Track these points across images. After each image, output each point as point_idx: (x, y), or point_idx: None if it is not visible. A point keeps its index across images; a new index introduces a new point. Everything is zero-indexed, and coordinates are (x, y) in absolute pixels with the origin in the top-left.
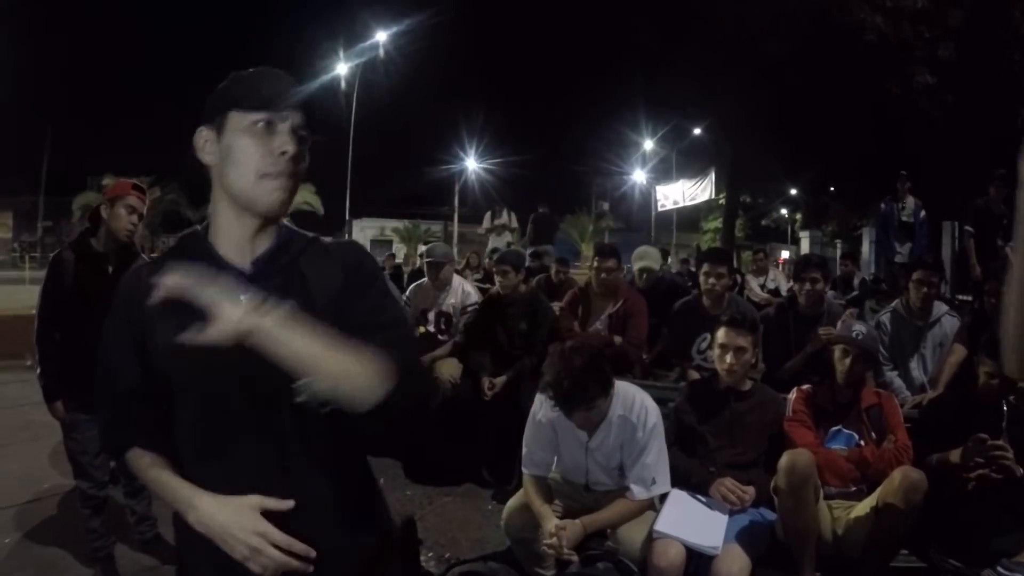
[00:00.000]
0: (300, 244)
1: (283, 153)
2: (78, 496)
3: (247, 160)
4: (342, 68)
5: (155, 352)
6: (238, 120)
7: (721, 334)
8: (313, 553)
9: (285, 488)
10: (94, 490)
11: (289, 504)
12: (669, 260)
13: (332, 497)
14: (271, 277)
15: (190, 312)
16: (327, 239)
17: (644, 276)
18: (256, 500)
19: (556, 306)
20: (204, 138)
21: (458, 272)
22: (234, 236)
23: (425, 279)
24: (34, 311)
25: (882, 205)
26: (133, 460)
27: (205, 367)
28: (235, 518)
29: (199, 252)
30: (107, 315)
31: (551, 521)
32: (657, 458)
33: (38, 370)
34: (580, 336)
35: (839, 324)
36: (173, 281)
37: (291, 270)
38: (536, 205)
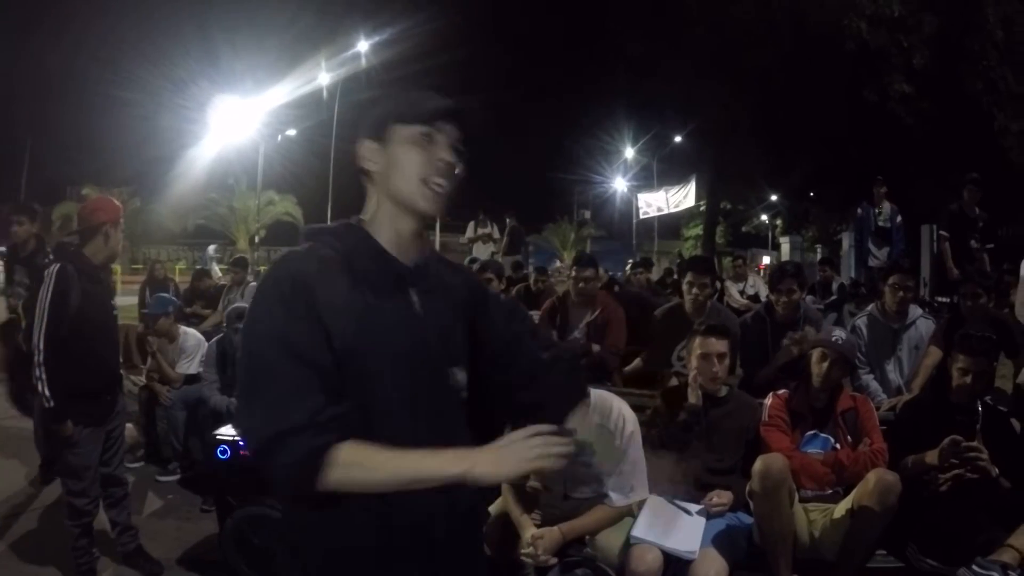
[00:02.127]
0: (437, 255)
1: (443, 161)
2: (68, 513)
3: (411, 167)
4: (324, 78)
5: (343, 338)
6: (401, 132)
7: (699, 343)
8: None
9: None
10: (91, 506)
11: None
12: (653, 269)
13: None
14: (427, 279)
15: (371, 300)
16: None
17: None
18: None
19: (535, 315)
20: (368, 148)
21: None
22: (394, 236)
23: None
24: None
25: (859, 210)
26: (349, 449)
27: (391, 348)
28: (509, 445)
29: (365, 245)
30: (104, 327)
31: (529, 530)
32: (635, 466)
33: (45, 391)
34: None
35: (818, 331)
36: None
37: (439, 276)
38: (504, 215)
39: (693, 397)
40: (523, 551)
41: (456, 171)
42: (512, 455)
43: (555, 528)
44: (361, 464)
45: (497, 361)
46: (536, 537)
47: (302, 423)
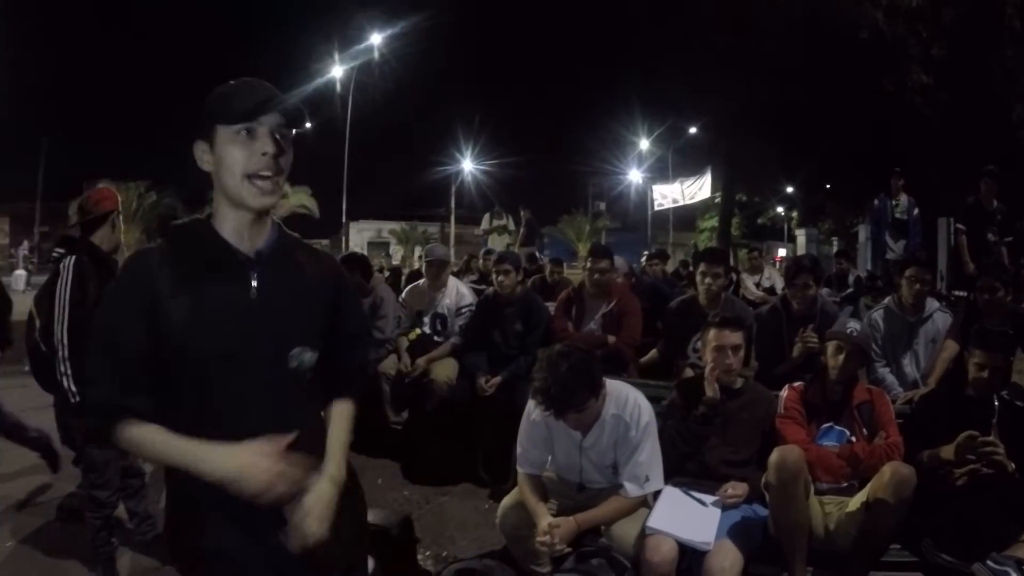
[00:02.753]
0: (292, 240)
1: (264, 153)
2: (90, 505)
3: (235, 164)
4: (337, 71)
5: (170, 326)
6: (224, 132)
7: (713, 335)
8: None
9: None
10: (112, 497)
11: (290, 437)
12: (668, 261)
13: (310, 443)
14: (272, 264)
15: (203, 289)
16: (311, 243)
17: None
18: (261, 441)
19: (551, 306)
20: (201, 150)
21: (455, 274)
22: (234, 227)
23: (420, 281)
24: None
25: (875, 202)
26: (130, 429)
27: (218, 336)
28: (250, 457)
29: (207, 237)
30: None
31: (545, 519)
32: (650, 456)
33: (71, 386)
34: (573, 337)
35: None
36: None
37: (289, 261)
38: (518, 207)
39: (711, 390)
40: (539, 539)
41: (282, 159)
42: (247, 464)
43: (571, 518)
44: (139, 445)
45: (335, 345)
46: (552, 526)
47: (93, 404)
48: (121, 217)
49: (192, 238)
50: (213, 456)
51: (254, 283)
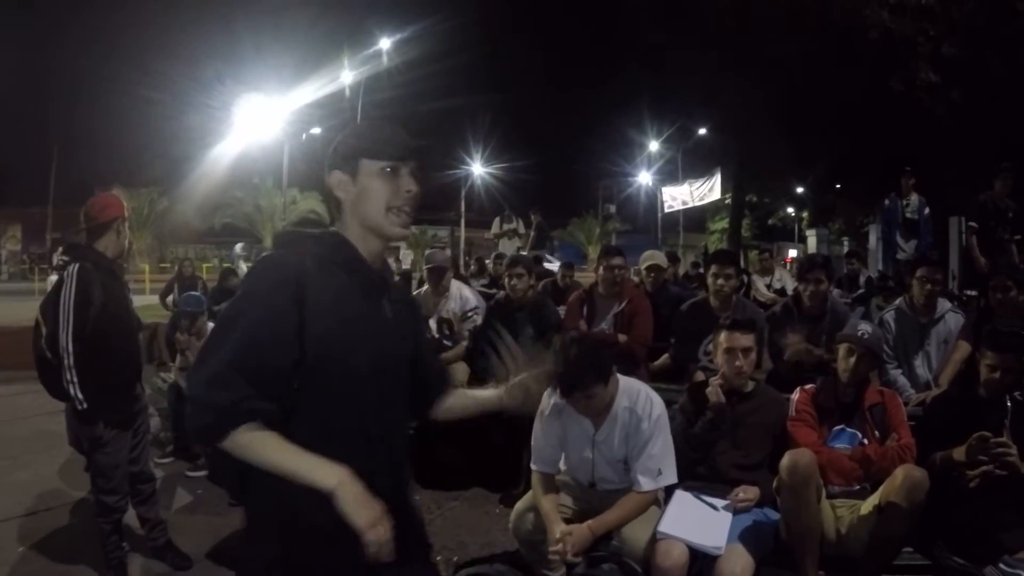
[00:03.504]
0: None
1: (408, 191)
2: (98, 511)
3: (378, 198)
4: (347, 76)
5: (314, 336)
6: (368, 166)
7: (724, 338)
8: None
9: (388, 451)
10: (121, 503)
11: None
12: (680, 263)
13: (403, 475)
14: (393, 289)
15: (349, 304)
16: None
17: (652, 275)
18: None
19: (562, 310)
20: (339, 179)
21: (462, 278)
22: (366, 252)
23: (424, 287)
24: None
25: (886, 201)
26: (246, 433)
27: (359, 352)
28: (369, 498)
29: (349, 253)
30: (125, 321)
31: (558, 526)
32: (663, 449)
33: (77, 393)
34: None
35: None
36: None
37: (397, 288)
38: (528, 211)
39: (714, 396)
40: (552, 548)
41: (417, 196)
42: (362, 510)
43: (584, 526)
44: (250, 454)
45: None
46: (565, 533)
47: (215, 406)
48: (127, 224)
49: (335, 252)
50: (330, 468)
51: (386, 305)
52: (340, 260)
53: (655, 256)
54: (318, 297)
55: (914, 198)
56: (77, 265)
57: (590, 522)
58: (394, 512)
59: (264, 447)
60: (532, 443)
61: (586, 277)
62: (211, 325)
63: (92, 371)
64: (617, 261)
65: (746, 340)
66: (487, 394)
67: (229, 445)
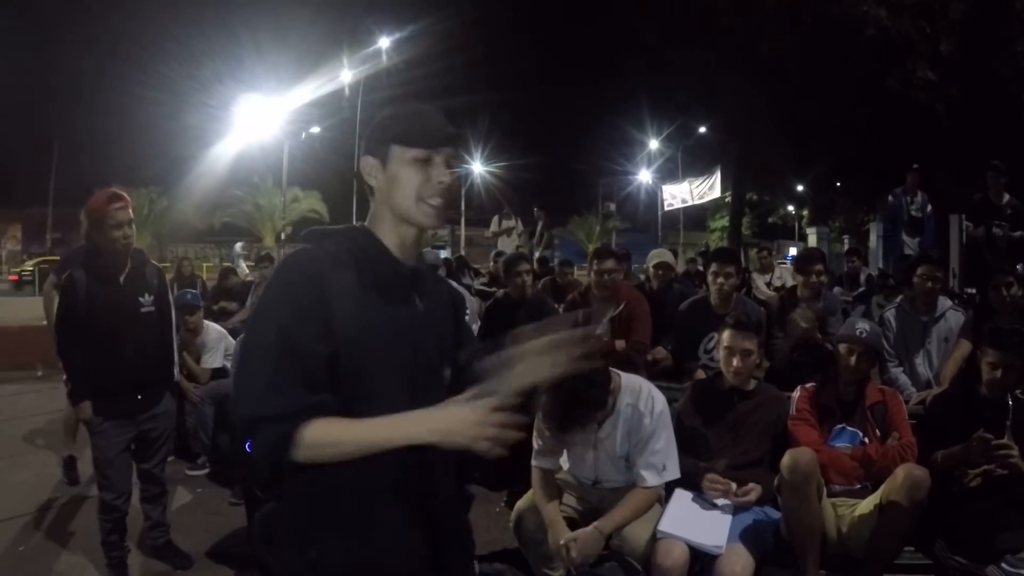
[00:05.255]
0: (422, 260)
1: (440, 182)
2: (99, 508)
3: (410, 186)
4: (346, 76)
5: (342, 332)
6: (400, 153)
7: (727, 336)
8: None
9: (421, 452)
10: (118, 501)
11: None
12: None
13: (449, 465)
14: (426, 280)
15: (376, 299)
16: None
17: (660, 273)
18: (463, 398)
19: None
20: (370, 165)
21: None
22: (397, 241)
23: None
24: (44, 322)
25: (889, 198)
26: (315, 430)
27: (389, 347)
28: (452, 409)
29: (374, 247)
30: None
31: (561, 531)
32: (666, 444)
33: (64, 377)
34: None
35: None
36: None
37: (431, 278)
38: (532, 209)
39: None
40: (555, 552)
41: (451, 187)
42: (465, 423)
43: (592, 528)
44: (329, 441)
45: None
46: (570, 539)
47: (276, 414)
48: (104, 227)
49: (358, 247)
50: (413, 418)
51: (417, 299)
52: (364, 256)
53: (663, 254)
54: (341, 294)
55: (919, 195)
56: (67, 273)
57: (597, 523)
58: (434, 518)
59: (337, 432)
60: (534, 440)
61: (586, 275)
62: (208, 324)
63: (79, 365)
64: (608, 265)
65: (748, 343)
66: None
67: (302, 451)
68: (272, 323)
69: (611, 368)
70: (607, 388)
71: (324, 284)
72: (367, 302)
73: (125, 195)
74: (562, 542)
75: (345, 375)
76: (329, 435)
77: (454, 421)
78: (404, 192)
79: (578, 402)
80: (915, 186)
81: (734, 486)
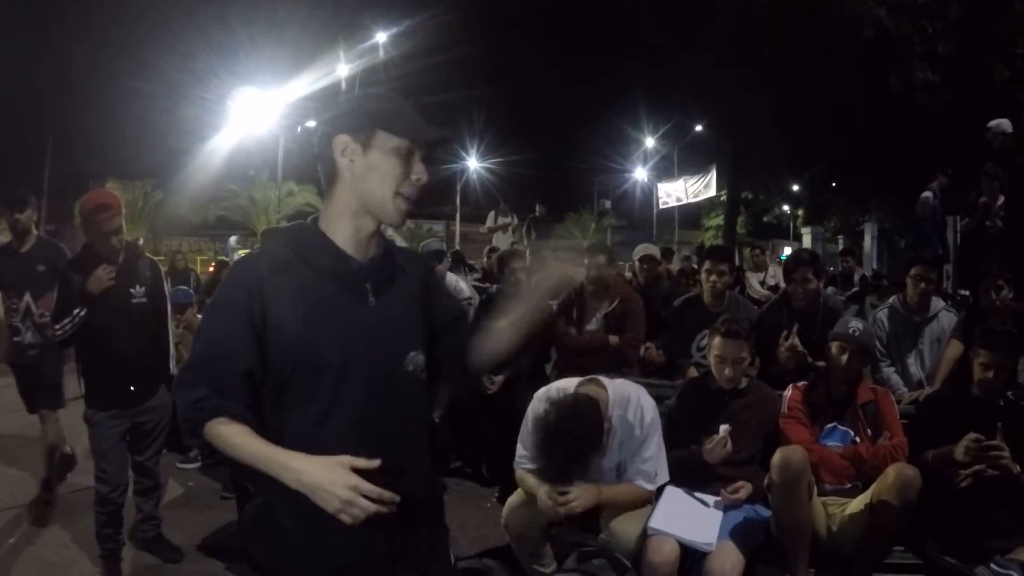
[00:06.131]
0: (391, 247)
1: (418, 180)
2: (95, 499)
3: (389, 177)
4: (343, 70)
5: (285, 334)
6: (384, 140)
7: (718, 344)
8: (398, 499)
9: (379, 448)
10: (114, 494)
11: (375, 463)
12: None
13: (418, 457)
14: (384, 271)
15: (320, 297)
16: (400, 246)
17: (645, 267)
18: (346, 459)
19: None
20: (346, 144)
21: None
22: (353, 233)
23: None
24: None
25: (928, 195)
26: (218, 427)
27: (338, 345)
28: (328, 474)
29: (320, 244)
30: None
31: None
32: (657, 451)
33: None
34: (574, 340)
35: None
36: None
37: (395, 267)
38: (534, 205)
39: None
40: (550, 502)
41: (423, 185)
42: (325, 479)
43: (592, 486)
44: (222, 443)
45: (436, 337)
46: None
47: (188, 402)
48: (92, 227)
49: (302, 245)
50: (296, 464)
51: (370, 291)
52: (309, 255)
53: (648, 248)
54: (280, 298)
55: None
56: (63, 271)
57: (599, 486)
58: (402, 511)
59: (230, 440)
60: (519, 448)
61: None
62: (200, 317)
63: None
64: (599, 260)
65: (739, 351)
66: (518, 306)
67: (208, 439)
68: (204, 330)
69: (599, 378)
70: (602, 429)
71: (260, 291)
72: (307, 306)
73: (115, 199)
74: (559, 499)
75: (281, 378)
76: (222, 438)
77: (321, 486)
78: (382, 182)
79: (577, 457)
80: (942, 189)
81: (730, 446)
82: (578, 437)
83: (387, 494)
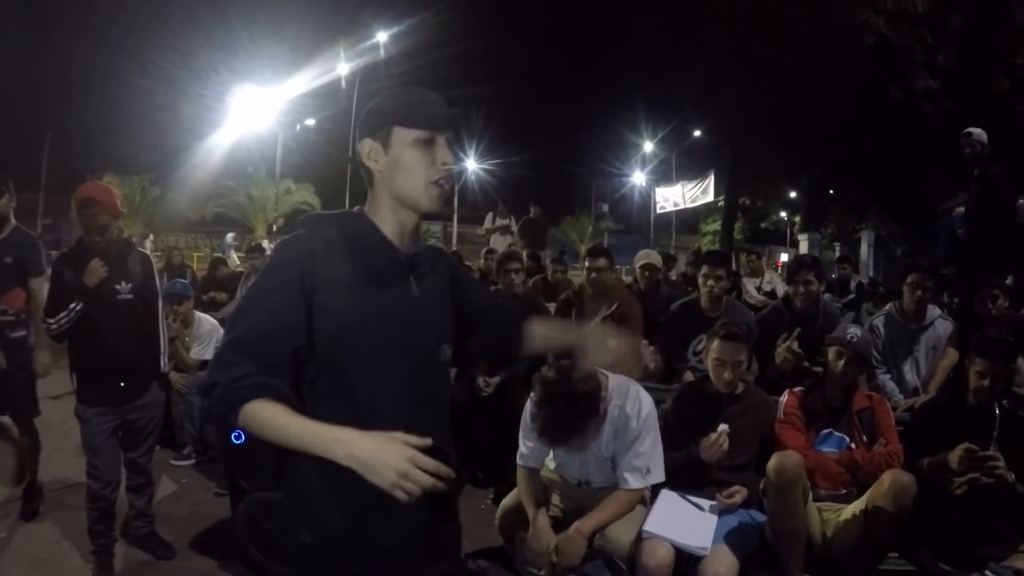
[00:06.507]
0: (423, 242)
1: (444, 164)
2: (87, 496)
3: (414, 169)
4: (342, 68)
5: (331, 318)
6: (402, 135)
7: (717, 348)
8: (453, 475)
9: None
10: (105, 491)
11: (428, 441)
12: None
13: (445, 443)
14: (424, 264)
15: (370, 286)
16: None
17: (647, 275)
18: (399, 435)
19: (551, 307)
20: (369, 147)
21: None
22: (397, 227)
23: None
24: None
25: (961, 209)
26: (258, 406)
27: (384, 333)
28: (384, 445)
29: (369, 233)
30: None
31: (546, 536)
32: (651, 447)
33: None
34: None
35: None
36: None
37: (430, 261)
38: (529, 206)
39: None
40: (541, 556)
41: (453, 169)
42: (381, 451)
43: (573, 530)
44: (261, 423)
45: (465, 331)
46: (558, 543)
47: (226, 383)
48: (83, 221)
49: (353, 233)
50: (349, 437)
51: (413, 284)
52: (359, 243)
53: (650, 255)
54: (329, 283)
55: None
56: (54, 264)
57: (577, 524)
58: (438, 503)
59: (275, 419)
60: (520, 442)
61: (578, 274)
62: (200, 315)
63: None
64: (599, 262)
65: (738, 354)
66: (565, 336)
67: (242, 423)
68: (250, 308)
69: (599, 370)
70: (599, 396)
71: (311, 272)
72: (356, 292)
73: (105, 194)
74: (550, 547)
75: (321, 362)
76: (263, 418)
77: (378, 459)
78: (410, 175)
79: (572, 416)
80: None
81: (727, 446)
82: (577, 396)
83: (443, 468)
